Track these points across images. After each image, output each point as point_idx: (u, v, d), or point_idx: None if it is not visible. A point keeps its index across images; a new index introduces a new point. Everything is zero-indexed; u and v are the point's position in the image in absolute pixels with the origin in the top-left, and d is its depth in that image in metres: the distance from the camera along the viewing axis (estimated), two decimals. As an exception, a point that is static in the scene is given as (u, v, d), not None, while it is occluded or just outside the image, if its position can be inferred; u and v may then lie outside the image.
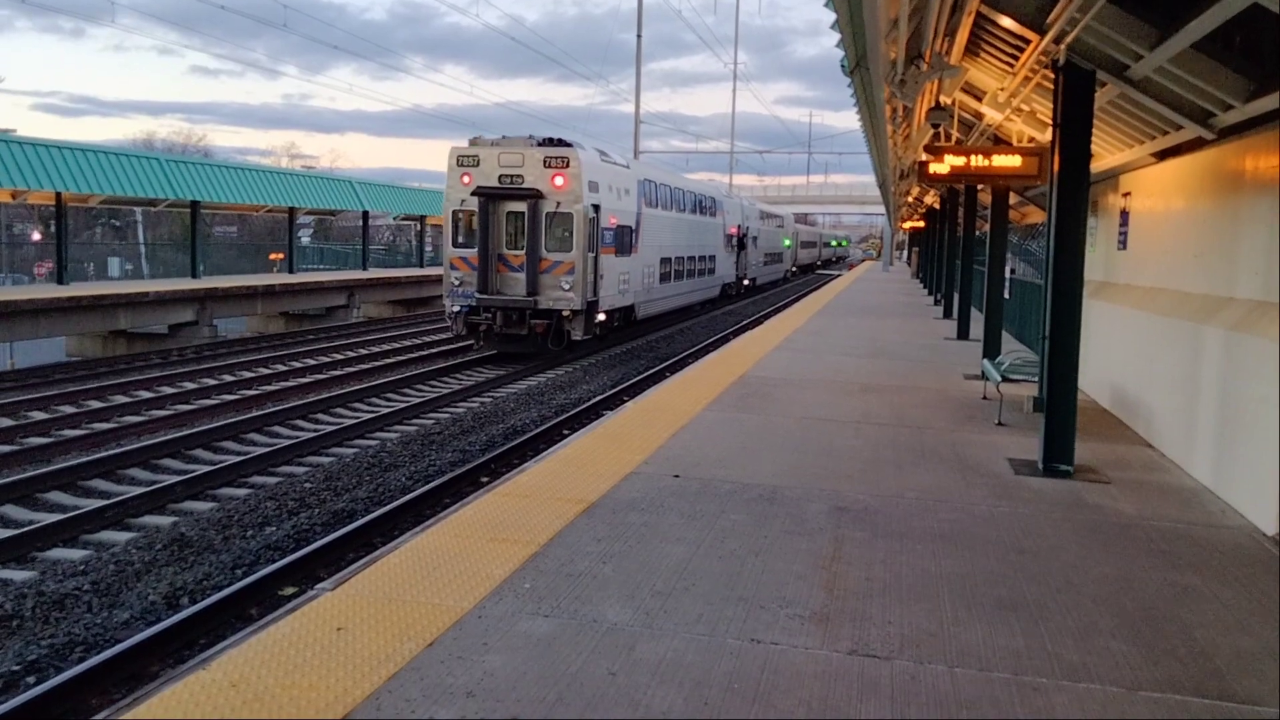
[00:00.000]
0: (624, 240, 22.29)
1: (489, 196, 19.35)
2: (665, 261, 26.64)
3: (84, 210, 31.31)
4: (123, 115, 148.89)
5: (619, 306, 22.29)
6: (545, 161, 19.29)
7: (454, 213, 19.86)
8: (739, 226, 38.92)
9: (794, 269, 64.12)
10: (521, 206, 19.39)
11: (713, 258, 33.75)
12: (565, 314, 19.45)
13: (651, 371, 18.58)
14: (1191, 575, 5.37)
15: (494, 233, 19.50)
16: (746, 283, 42.21)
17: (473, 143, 19.78)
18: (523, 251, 19.43)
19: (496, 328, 19.53)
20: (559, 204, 19.29)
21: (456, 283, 19.77)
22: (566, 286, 19.34)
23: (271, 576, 7.41)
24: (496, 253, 19.58)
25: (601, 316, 20.86)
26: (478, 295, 19.42)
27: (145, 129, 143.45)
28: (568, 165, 19.26)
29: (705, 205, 32.43)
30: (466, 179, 19.54)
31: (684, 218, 29.11)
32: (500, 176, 19.38)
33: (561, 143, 19.72)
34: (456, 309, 19.74)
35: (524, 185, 19.29)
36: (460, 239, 19.87)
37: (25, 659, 6.17)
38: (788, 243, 58.92)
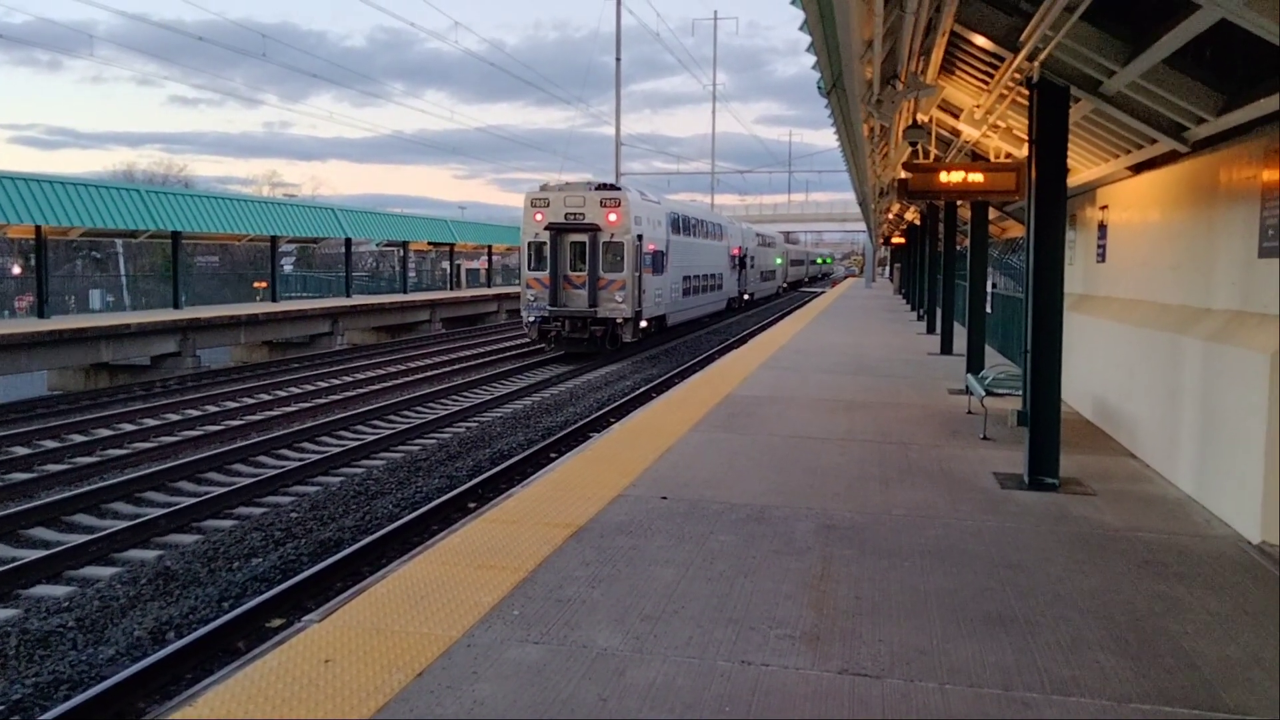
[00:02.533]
0: (658, 262, 27.31)
1: (558, 230, 24.54)
2: (686, 279, 31.55)
3: (64, 243, 31.16)
4: (102, 147, 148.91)
5: (656, 315, 27.21)
6: (601, 202, 24.40)
7: (529, 243, 24.96)
8: (740, 248, 43.53)
9: (785, 285, 67.36)
10: (583, 237, 24.60)
11: (720, 276, 38.64)
12: (619, 321, 24.59)
13: (638, 392, 18.59)
14: (1178, 585, 5.40)
15: (561, 258, 24.72)
16: (746, 297, 46.75)
17: (543, 188, 25.07)
18: (584, 272, 24.60)
19: (564, 333, 24.62)
20: (612, 235, 24.46)
21: (532, 299, 24.92)
22: (620, 299, 24.47)
23: (258, 609, 7.34)
24: (563, 274, 24.74)
25: (644, 324, 25.71)
26: (549, 307, 24.51)
27: (125, 160, 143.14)
28: (619, 205, 24.35)
29: (713, 231, 37.28)
30: (539, 216, 24.70)
31: (699, 242, 34.02)
32: (566, 214, 24.58)
33: (613, 187, 25.16)
34: (532, 319, 25.01)
35: (585, 221, 24.49)
36: (534, 263, 24.94)
37: (9, 699, 6.09)
38: (779, 261, 62.51)
